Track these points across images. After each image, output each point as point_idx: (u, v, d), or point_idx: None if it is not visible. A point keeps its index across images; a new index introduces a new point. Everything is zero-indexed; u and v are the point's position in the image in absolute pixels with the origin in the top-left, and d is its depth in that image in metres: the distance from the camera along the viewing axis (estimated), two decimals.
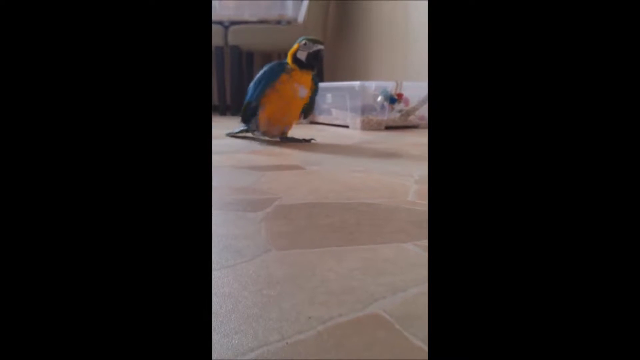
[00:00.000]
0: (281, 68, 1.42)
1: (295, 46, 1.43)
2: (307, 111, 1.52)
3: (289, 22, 2.75)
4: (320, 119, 2.21)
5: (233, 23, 2.71)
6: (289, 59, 1.42)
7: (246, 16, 2.73)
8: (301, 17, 2.74)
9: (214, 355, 0.29)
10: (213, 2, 2.71)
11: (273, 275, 0.41)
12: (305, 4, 2.73)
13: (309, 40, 1.40)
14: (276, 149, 1.32)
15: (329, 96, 2.14)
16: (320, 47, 1.39)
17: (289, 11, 2.72)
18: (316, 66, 1.42)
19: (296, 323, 0.33)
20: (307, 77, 1.40)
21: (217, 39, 2.68)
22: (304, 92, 1.42)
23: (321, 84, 2.32)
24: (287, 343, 0.30)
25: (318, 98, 2.20)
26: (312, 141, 1.48)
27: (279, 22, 2.76)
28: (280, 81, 1.41)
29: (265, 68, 1.46)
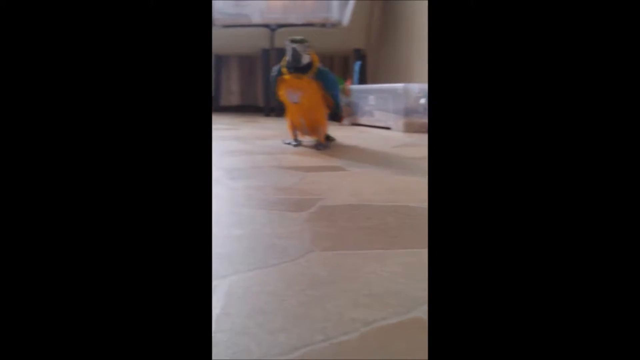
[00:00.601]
0: (277, 74, 1.34)
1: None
2: (334, 113, 1.43)
3: (333, 25, 2.76)
4: (363, 120, 2.21)
5: (280, 26, 2.75)
6: (282, 62, 1.32)
7: (292, 19, 2.76)
8: (346, 20, 2.75)
9: (266, 354, 0.30)
10: (260, 5, 2.75)
11: (317, 276, 0.42)
12: (350, 6, 2.73)
13: (289, 40, 1.28)
14: (324, 150, 1.32)
15: (371, 98, 2.13)
16: (292, 45, 1.26)
17: (334, 14, 2.73)
18: (296, 67, 1.27)
19: (340, 324, 0.33)
20: (299, 81, 1.29)
21: (264, 41, 2.72)
22: (294, 96, 1.31)
23: (364, 86, 2.32)
24: (331, 343, 0.31)
25: (360, 100, 2.20)
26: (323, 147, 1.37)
27: (324, 25, 2.77)
28: (279, 87, 1.34)
29: None
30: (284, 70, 1.29)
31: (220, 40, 2.72)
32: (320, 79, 1.32)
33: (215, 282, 0.40)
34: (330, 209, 0.66)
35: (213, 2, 2.71)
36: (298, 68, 1.28)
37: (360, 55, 2.73)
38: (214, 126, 2.04)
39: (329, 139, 1.48)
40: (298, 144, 1.41)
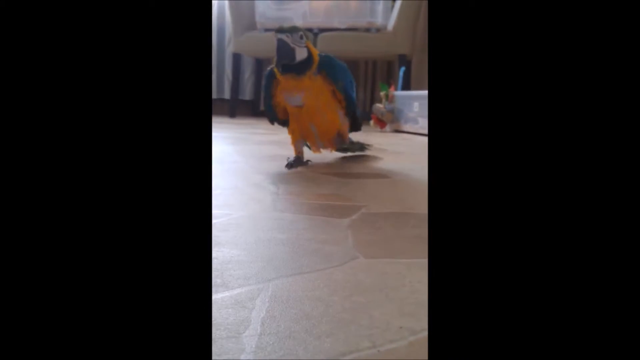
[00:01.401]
0: (269, 76, 1.06)
1: None
2: (353, 119, 1.14)
3: (378, 30, 2.75)
4: (406, 127, 2.19)
5: (322, 30, 2.76)
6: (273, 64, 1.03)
7: (335, 24, 2.76)
8: (391, 25, 2.73)
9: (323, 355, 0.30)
10: (303, 8, 2.77)
11: (362, 283, 0.41)
12: (395, 10, 2.72)
13: (275, 31, 0.97)
14: (364, 157, 1.32)
15: (416, 105, 2.11)
16: (279, 36, 0.94)
17: (378, 18, 2.72)
18: (289, 65, 0.96)
19: (387, 331, 0.33)
20: (295, 82, 0.99)
21: None
22: (295, 99, 1.02)
23: (408, 93, 2.30)
24: (378, 351, 0.30)
25: (404, 107, 2.18)
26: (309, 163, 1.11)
27: (368, 30, 2.77)
28: (275, 92, 1.06)
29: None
30: (276, 70, 1.00)
31: (262, 44, 2.75)
32: (324, 69, 1.02)
33: (259, 286, 0.40)
34: (373, 216, 0.66)
35: (255, 5, 2.74)
36: (291, 66, 0.97)
37: (404, 60, 2.71)
38: (253, 130, 2.06)
39: (353, 145, 1.19)
40: (301, 163, 1.08)
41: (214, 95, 3.08)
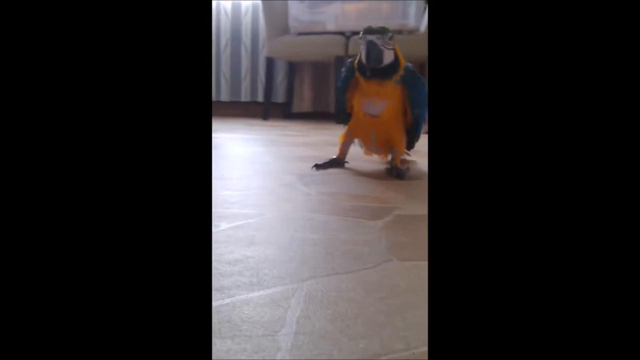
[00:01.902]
0: (350, 71, 0.99)
1: None
2: (410, 137, 1.04)
3: (410, 32, 2.73)
4: None
5: (354, 33, 2.76)
6: (355, 63, 0.97)
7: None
8: (423, 27, 2.71)
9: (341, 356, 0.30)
10: (335, 12, 2.77)
11: (396, 285, 0.41)
12: (427, 13, 2.70)
13: (363, 32, 0.91)
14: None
15: None
16: (369, 37, 0.88)
17: (410, 21, 2.70)
18: (376, 68, 0.90)
19: (422, 334, 0.32)
20: (381, 87, 0.93)
21: (338, 49, 2.74)
22: (375, 108, 0.95)
23: None
24: (413, 353, 0.30)
25: None
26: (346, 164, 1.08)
27: (400, 32, 2.75)
28: (352, 94, 1.00)
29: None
30: (358, 75, 0.95)
31: (294, 47, 2.77)
32: (407, 87, 0.95)
33: (294, 285, 0.41)
34: (407, 218, 0.65)
35: (288, 8, 2.76)
36: (378, 70, 0.91)
37: None
38: (285, 132, 2.08)
39: (404, 162, 1.09)
40: (336, 164, 1.05)
41: (248, 98, 3.12)
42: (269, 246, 0.51)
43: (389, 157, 1.06)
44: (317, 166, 1.04)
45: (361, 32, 0.91)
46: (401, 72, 0.94)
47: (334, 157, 1.06)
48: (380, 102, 0.94)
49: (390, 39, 0.91)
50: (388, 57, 0.91)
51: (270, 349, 0.30)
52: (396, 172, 0.97)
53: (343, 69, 1.01)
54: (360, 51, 0.93)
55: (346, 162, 1.08)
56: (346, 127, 1.06)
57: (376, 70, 0.91)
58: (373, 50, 0.89)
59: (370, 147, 1.07)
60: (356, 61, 0.95)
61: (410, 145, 1.09)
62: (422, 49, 2.72)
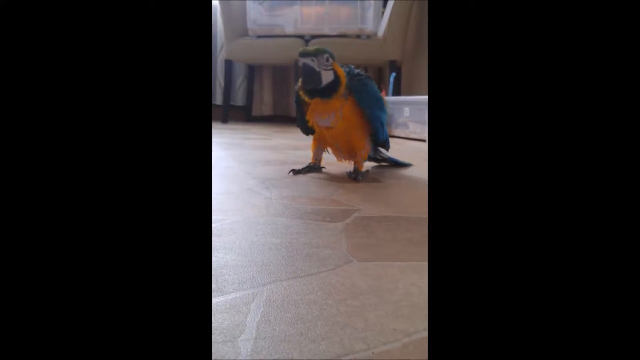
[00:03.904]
0: (296, 100, 1.05)
1: None
2: (374, 140, 1.08)
3: (368, 36, 2.77)
4: (397, 132, 2.20)
5: (314, 37, 2.77)
6: (299, 87, 1.00)
7: (326, 30, 2.77)
8: (381, 31, 2.75)
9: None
10: (294, 16, 2.78)
11: (356, 286, 0.42)
12: (385, 17, 2.74)
13: (299, 54, 0.95)
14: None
15: (406, 110, 2.13)
16: (304, 60, 0.92)
17: (369, 25, 2.73)
18: (314, 89, 0.94)
19: (381, 334, 0.33)
20: (323, 104, 0.97)
21: (297, 52, 2.75)
22: (325, 121, 1.00)
23: (398, 98, 2.31)
24: (373, 352, 0.31)
25: (394, 112, 2.20)
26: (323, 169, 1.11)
27: (358, 36, 2.78)
28: (307, 112, 1.03)
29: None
30: (302, 94, 0.98)
31: (254, 50, 2.76)
32: (353, 93, 0.98)
33: (254, 290, 0.40)
34: (366, 220, 0.66)
35: (247, 11, 2.75)
36: (318, 91, 0.95)
37: (395, 66, 2.73)
38: (246, 135, 2.06)
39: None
40: (313, 170, 1.09)
41: None
42: (228, 252, 0.51)
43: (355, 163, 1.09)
44: (295, 171, 1.05)
45: (299, 55, 0.94)
46: (343, 89, 0.96)
47: (310, 163, 1.09)
48: (328, 114, 0.98)
49: (327, 60, 0.93)
50: (327, 77, 0.94)
51: (229, 355, 0.30)
52: (354, 175, 1.01)
53: (295, 96, 1.05)
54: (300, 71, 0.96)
55: (323, 167, 1.11)
56: (313, 137, 1.10)
57: (316, 90, 0.95)
58: (308, 72, 0.93)
59: (339, 154, 1.10)
60: (300, 84, 0.99)
61: (381, 146, 1.14)
62: (380, 53, 2.77)
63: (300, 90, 0.98)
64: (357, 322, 0.35)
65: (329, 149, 1.13)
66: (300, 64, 0.93)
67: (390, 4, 2.71)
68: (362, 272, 0.45)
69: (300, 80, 0.97)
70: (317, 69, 0.93)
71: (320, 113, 0.99)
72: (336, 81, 0.95)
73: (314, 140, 1.10)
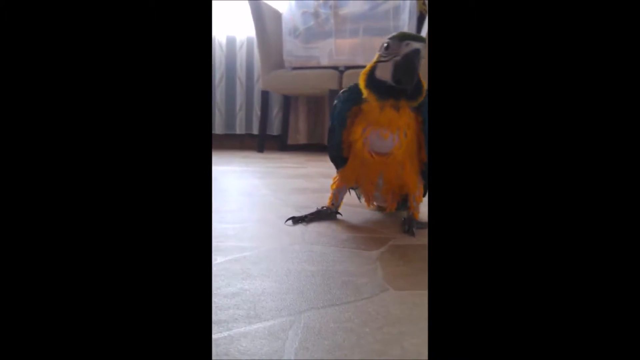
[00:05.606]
0: (350, 98, 0.76)
1: (375, 57, 0.73)
2: (425, 176, 0.79)
3: None
4: None
5: (348, 68, 2.81)
6: (360, 81, 0.74)
7: (360, 61, 2.81)
8: None
9: None
10: (329, 47, 2.83)
11: (392, 314, 0.42)
12: None
13: (395, 38, 0.69)
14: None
15: None
16: (416, 45, 0.66)
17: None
18: (410, 84, 0.67)
19: None
20: (393, 113, 0.71)
21: (332, 83, 2.79)
22: (385, 144, 0.72)
23: None
24: None
25: None
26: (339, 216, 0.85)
27: None
28: (353, 126, 0.76)
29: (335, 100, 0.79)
30: (367, 92, 0.72)
31: (289, 81, 2.82)
32: (423, 114, 0.73)
33: (292, 317, 0.41)
34: (402, 248, 0.66)
35: (283, 43, 2.83)
36: (402, 91, 0.69)
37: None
38: (280, 164, 2.09)
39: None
40: (325, 216, 0.83)
41: (243, 131, 3.15)
42: (265, 279, 0.52)
43: (398, 208, 0.84)
44: (295, 219, 0.81)
45: (392, 41, 0.69)
46: (424, 96, 0.72)
47: (322, 207, 0.85)
48: (391, 134, 0.71)
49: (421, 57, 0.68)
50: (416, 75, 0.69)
51: None
52: (408, 227, 0.74)
53: (336, 102, 0.79)
54: (376, 61, 0.72)
55: (339, 213, 0.85)
56: (340, 171, 0.83)
57: (401, 88, 0.68)
58: (415, 65, 0.66)
59: (373, 196, 0.83)
60: (361, 80, 0.73)
61: (424, 191, 0.82)
62: None
63: (366, 88, 0.72)
64: (394, 350, 0.35)
65: (357, 189, 0.87)
66: (407, 48, 0.66)
67: (423, 33, 2.73)
68: (398, 300, 0.45)
69: (392, 72, 0.68)
70: (420, 60, 0.67)
71: (381, 129, 0.71)
72: (420, 83, 0.71)
73: (341, 175, 0.82)
